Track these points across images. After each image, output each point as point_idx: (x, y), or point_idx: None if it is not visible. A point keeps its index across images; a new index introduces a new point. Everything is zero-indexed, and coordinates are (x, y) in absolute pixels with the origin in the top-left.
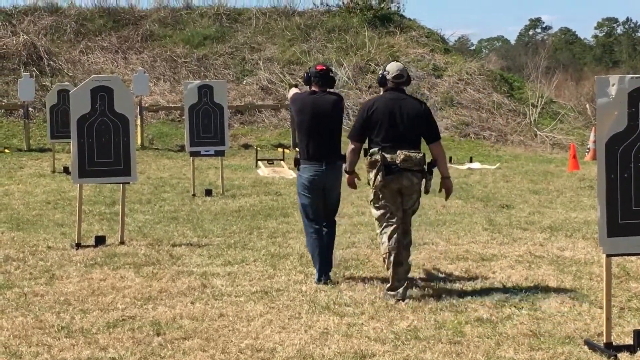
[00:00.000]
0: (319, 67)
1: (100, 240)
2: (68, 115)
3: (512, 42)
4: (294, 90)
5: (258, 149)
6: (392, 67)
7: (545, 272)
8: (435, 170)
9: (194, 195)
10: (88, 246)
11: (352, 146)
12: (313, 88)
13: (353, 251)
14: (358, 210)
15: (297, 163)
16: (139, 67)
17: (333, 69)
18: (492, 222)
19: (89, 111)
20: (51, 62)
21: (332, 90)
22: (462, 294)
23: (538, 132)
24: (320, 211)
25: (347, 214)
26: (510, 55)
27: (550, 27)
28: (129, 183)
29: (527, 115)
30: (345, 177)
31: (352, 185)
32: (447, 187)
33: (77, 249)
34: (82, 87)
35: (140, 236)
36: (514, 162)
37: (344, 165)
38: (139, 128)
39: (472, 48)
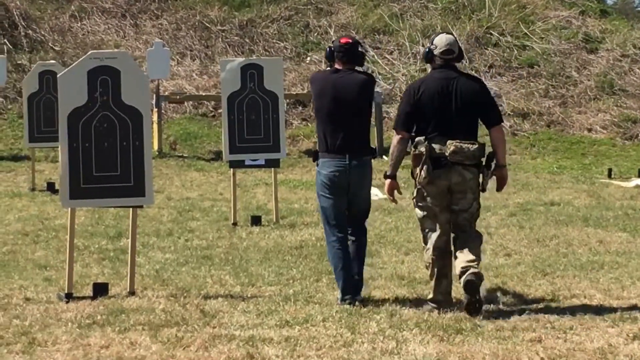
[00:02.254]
0: (343, 40)
1: (100, 290)
2: (54, 109)
3: None
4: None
5: None
6: (441, 40)
7: None
8: None
9: (235, 224)
10: (83, 298)
11: (399, 136)
12: (336, 66)
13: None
14: None
15: (315, 157)
16: (156, 38)
17: (362, 43)
18: None
19: (85, 103)
20: (30, 32)
21: (360, 69)
22: None
23: None
24: (344, 215)
25: None
26: None
27: None
28: (142, 207)
29: None
30: (385, 182)
31: (392, 193)
32: (501, 176)
33: (67, 302)
34: (75, 67)
35: (158, 284)
36: None
37: (386, 167)
38: (155, 126)
39: None
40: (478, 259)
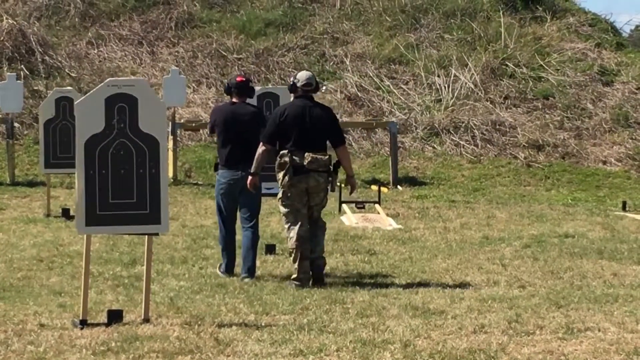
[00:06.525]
0: (238, 79)
1: (115, 316)
2: (71, 135)
3: None
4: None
5: (342, 186)
6: (302, 76)
7: None
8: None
9: None
10: (98, 324)
11: (264, 147)
12: (233, 99)
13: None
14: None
15: (216, 168)
16: (172, 66)
17: (252, 80)
18: None
19: (102, 130)
20: (47, 58)
21: (250, 102)
22: None
23: None
24: (235, 212)
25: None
26: None
27: None
28: (157, 234)
29: None
30: (249, 178)
31: (253, 186)
32: (352, 184)
33: (82, 328)
34: (92, 95)
35: (172, 311)
36: None
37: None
38: (171, 154)
39: None
40: (323, 247)
